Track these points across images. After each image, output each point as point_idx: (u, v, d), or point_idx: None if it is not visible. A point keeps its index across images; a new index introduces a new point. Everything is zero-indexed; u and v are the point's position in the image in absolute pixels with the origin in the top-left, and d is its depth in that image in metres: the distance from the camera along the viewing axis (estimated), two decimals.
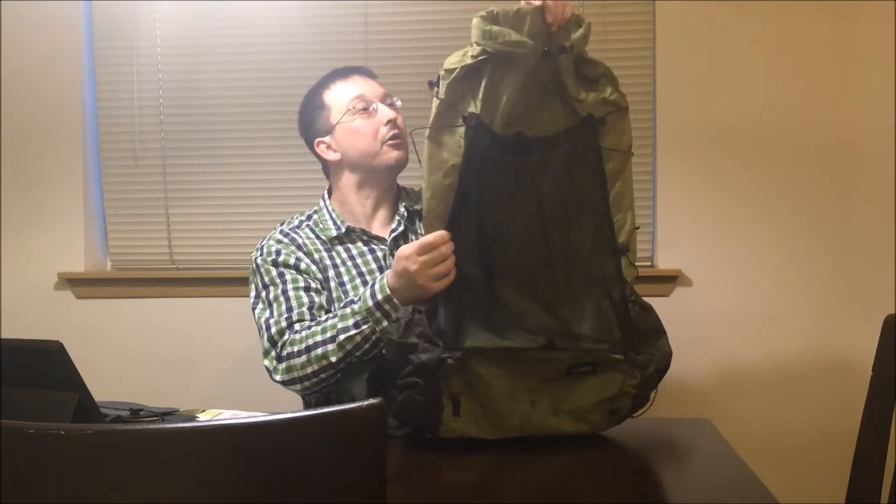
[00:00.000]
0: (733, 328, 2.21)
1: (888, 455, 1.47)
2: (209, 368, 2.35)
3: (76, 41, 2.36)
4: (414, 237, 1.71)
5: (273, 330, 1.60)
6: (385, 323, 1.47)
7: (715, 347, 2.21)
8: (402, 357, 1.35)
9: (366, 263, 1.70)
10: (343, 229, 1.73)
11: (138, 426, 0.75)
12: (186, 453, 0.73)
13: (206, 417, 1.56)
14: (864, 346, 1.61)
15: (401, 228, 1.73)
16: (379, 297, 1.48)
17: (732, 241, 2.22)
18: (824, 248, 2.18)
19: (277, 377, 1.58)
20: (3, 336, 1.75)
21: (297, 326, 1.58)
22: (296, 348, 1.55)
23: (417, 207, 1.70)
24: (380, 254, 1.71)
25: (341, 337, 1.50)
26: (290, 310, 1.61)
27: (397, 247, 1.57)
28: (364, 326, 1.49)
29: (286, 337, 1.58)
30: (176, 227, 2.40)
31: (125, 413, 1.52)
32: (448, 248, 1.39)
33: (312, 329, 1.56)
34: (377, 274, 1.66)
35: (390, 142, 1.71)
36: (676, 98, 2.21)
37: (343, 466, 0.74)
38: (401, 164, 1.74)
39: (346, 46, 2.30)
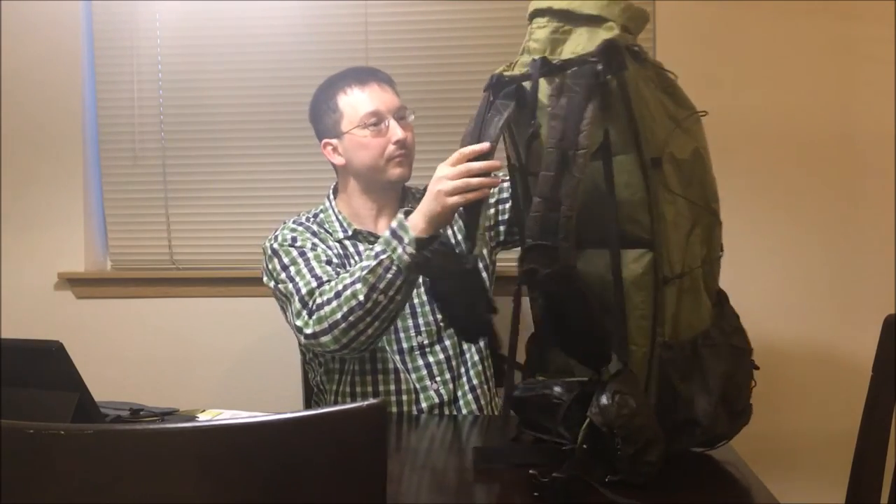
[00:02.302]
0: None
1: (888, 455, 1.47)
2: (209, 368, 2.35)
3: (76, 41, 2.36)
4: None
5: (304, 291, 1.61)
6: (399, 249, 1.49)
7: None
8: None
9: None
10: (350, 232, 1.77)
11: (138, 426, 0.75)
12: (186, 453, 0.73)
13: (206, 417, 1.56)
14: (864, 346, 1.61)
15: None
16: (394, 224, 1.52)
17: (732, 242, 2.20)
18: (824, 248, 2.18)
19: (308, 330, 1.58)
20: (3, 336, 1.75)
21: (326, 286, 1.60)
22: (325, 297, 1.57)
23: None
24: None
25: (365, 272, 1.53)
26: (316, 277, 1.63)
27: None
28: (383, 256, 1.52)
29: (316, 293, 1.59)
30: (176, 227, 2.40)
31: (125, 413, 1.53)
32: (476, 167, 1.38)
33: (341, 276, 1.59)
34: None
35: (396, 159, 1.74)
36: None
37: (343, 466, 0.74)
38: (402, 181, 1.78)
39: (346, 46, 2.29)
